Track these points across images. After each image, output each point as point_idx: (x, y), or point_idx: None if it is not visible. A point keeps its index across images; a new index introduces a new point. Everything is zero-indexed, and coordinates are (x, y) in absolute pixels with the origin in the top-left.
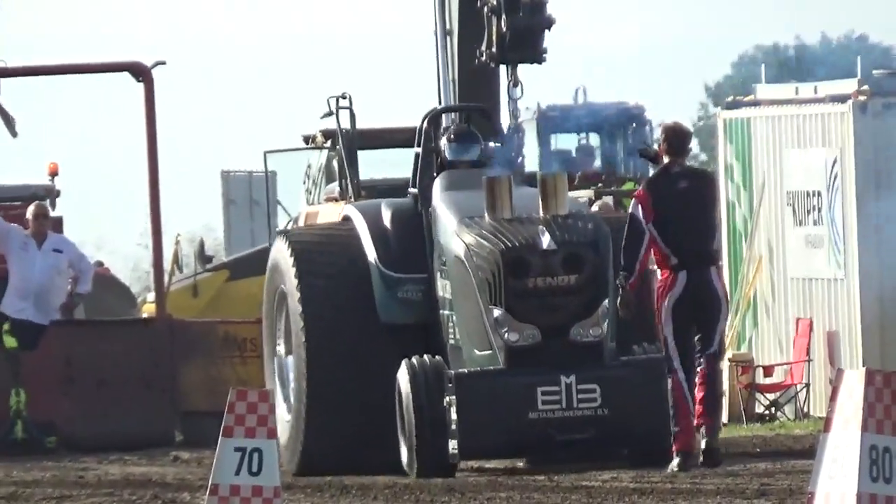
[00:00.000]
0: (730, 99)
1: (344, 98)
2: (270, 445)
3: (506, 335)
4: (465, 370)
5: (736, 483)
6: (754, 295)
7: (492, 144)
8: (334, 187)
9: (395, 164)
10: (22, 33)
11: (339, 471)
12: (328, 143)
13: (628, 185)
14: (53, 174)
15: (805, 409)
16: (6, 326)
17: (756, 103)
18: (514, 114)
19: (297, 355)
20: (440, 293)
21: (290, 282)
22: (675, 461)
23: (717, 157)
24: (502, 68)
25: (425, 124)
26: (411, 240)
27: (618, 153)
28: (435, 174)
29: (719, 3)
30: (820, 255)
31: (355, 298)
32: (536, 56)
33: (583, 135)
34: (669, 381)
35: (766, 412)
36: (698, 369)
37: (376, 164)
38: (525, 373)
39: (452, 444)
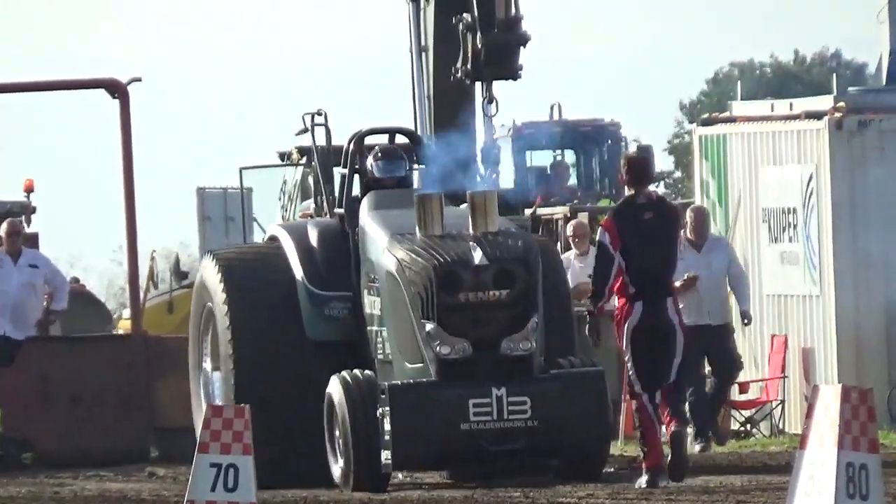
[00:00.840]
0: (705, 116)
1: (319, 115)
2: (246, 461)
3: (438, 348)
4: (398, 382)
5: (712, 500)
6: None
7: (417, 166)
8: (310, 204)
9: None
10: None
11: (269, 485)
12: (303, 160)
13: (604, 202)
14: (29, 190)
15: (780, 426)
16: None
17: (732, 120)
18: (490, 130)
19: (224, 371)
20: (367, 310)
21: (218, 299)
22: (644, 478)
23: (693, 174)
24: (477, 85)
25: (351, 146)
26: (337, 258)
27: (593, 170)
28: (361, 194)
29: (695, 20)
30: (795, 272)
31: (282, 316)
32: (511, 73)
33: (558, 151)
34: (634, 403)
35: (742, 429)
36: (658, 402)
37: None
38: (457, 385)
39: (385, 455)
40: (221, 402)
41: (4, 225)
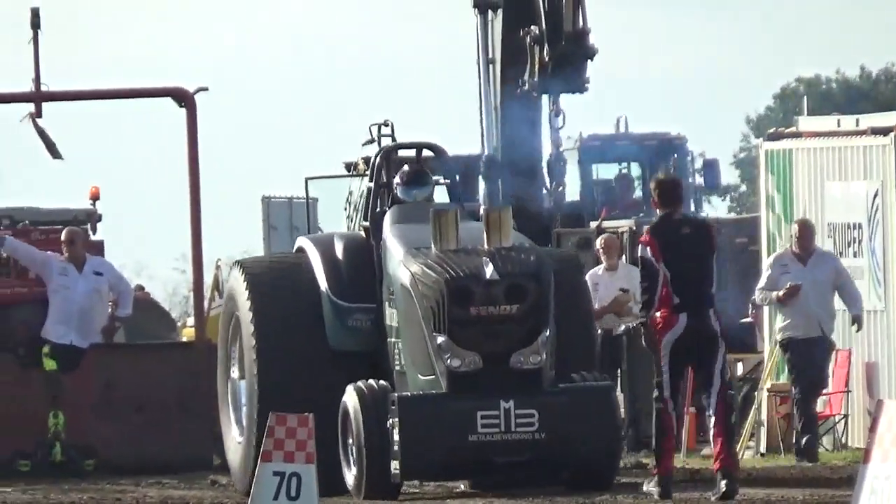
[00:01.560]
0: (772, 130)
1: (386, 125)
2: (309, 470)
3: (448, 361)
4: (408, 393)
5: None
6: None
7: (441, 181)
8: None
9: (437, 190)
10: (65, 57)
11: None
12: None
13: None
14: (95, 198)
15: (844, 440)
16: (46, 349)
17: (798, 135)
18: (556, 143)
19: (248, 380)
20: (388, 322)
21: (244, 309)
22: (655, 485)
23: (759, 189)
24: (544, 97)
25: (377, 160)
26: (362, 271)
27: None
28: (387, 208)
29: (762, 35)
30: (860, 287)
31: (306, 326)
32: (579, 86)
33: (624, 164)
34: (658, 405)
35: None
36: (712, 410)
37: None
38: (466, 397)
39: (394, 465)
40: (246, 409)
41: (64, 234)
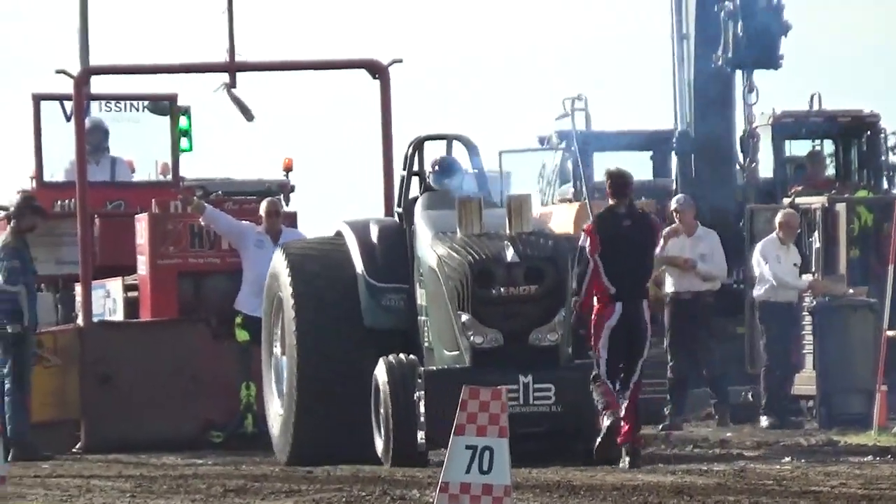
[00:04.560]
0: None
1: (579, 100)
2: (501, 444)
3: (471, 338)
4: (434, 367)
5: None
6: None
7: (471, 171)
8: (568, 188)
9: (630, 166)
10: (259, 28)
11: (325, 460)
12: (563, 145)
13: (861, 193)
14: (288, 169)
15: None
16: (239, 319)
17: None
18: (749, 119)
19: (289, 356)
20: (418, 301)
21: (286, 289)
22: (626, 458)
23: None
24: (738, 73)
25: (410, 150)
26: (395, 253)
27: (851, 161)
28: (419, 195)
29: None
30: None
31: (343, 305)
32: (772, 61)
33: (817, 141)
34: (599, 387)
35: None
36: (624, 396)
37: (610, 166)
38: (487, 372)
39: (420, 435)
40: (287, 385)
41: (264, 204)
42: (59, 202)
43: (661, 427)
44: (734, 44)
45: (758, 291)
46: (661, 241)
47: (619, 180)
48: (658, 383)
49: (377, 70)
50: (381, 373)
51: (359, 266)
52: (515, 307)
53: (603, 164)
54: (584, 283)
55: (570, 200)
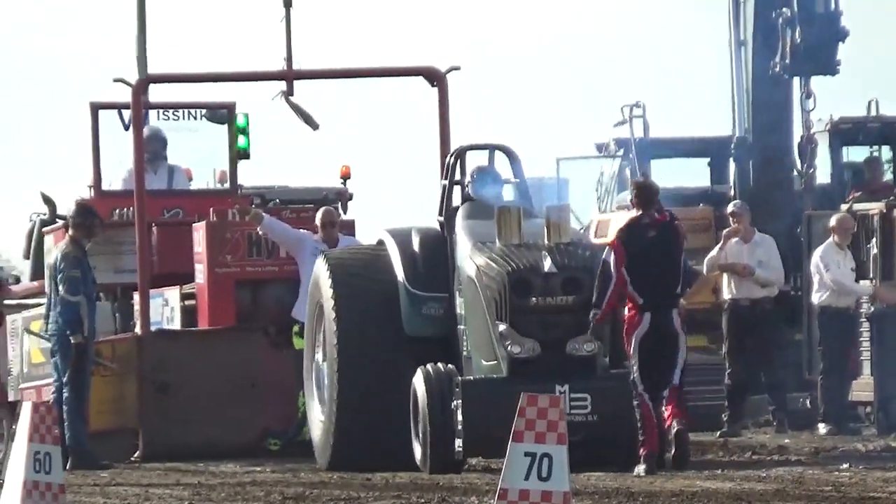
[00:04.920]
0: None
1: (638, 107)
2: (560, 451)
3: (509, 347)
4: (472, 377)
5: None
6: None
7: (512, 180)
8: (626, 196)
9: (688, 173)
10: (317, 36)
11: (364, 466)
12: (621, 152)
13: None
14: (345, 177)
15: None
16: (296, 328)
17: None
18: (807, 125)
19: (330, 362)
20: (457, 310)
21: (327, 297)
22: (643, 466)
23: None
24: (795, 80)
25: (451, 159)
26: (436, 262)
27: None
28: (460, 204)
29: None
30: None
31: (384, 313)
32: (830, 68)
33: (874, 147)
34: (636, 400)
35: None
36: (663, 408)
37: (669, 173)
38: (524, 381)
39: (458, 443)
40: (328, 391)
41: (320, 214)
42: (117, 211)
43: (718, 434)
44: (792, 51)
45: (817, 297)
46: (721, 241)
47: (645, 191)
48: (716, 390)
49: (435, 77)
50: (419, 382)
51: (400, 274)
52: (552, 317)
53: (661, 171)
54: (605, 297)
55: (629, 208)
